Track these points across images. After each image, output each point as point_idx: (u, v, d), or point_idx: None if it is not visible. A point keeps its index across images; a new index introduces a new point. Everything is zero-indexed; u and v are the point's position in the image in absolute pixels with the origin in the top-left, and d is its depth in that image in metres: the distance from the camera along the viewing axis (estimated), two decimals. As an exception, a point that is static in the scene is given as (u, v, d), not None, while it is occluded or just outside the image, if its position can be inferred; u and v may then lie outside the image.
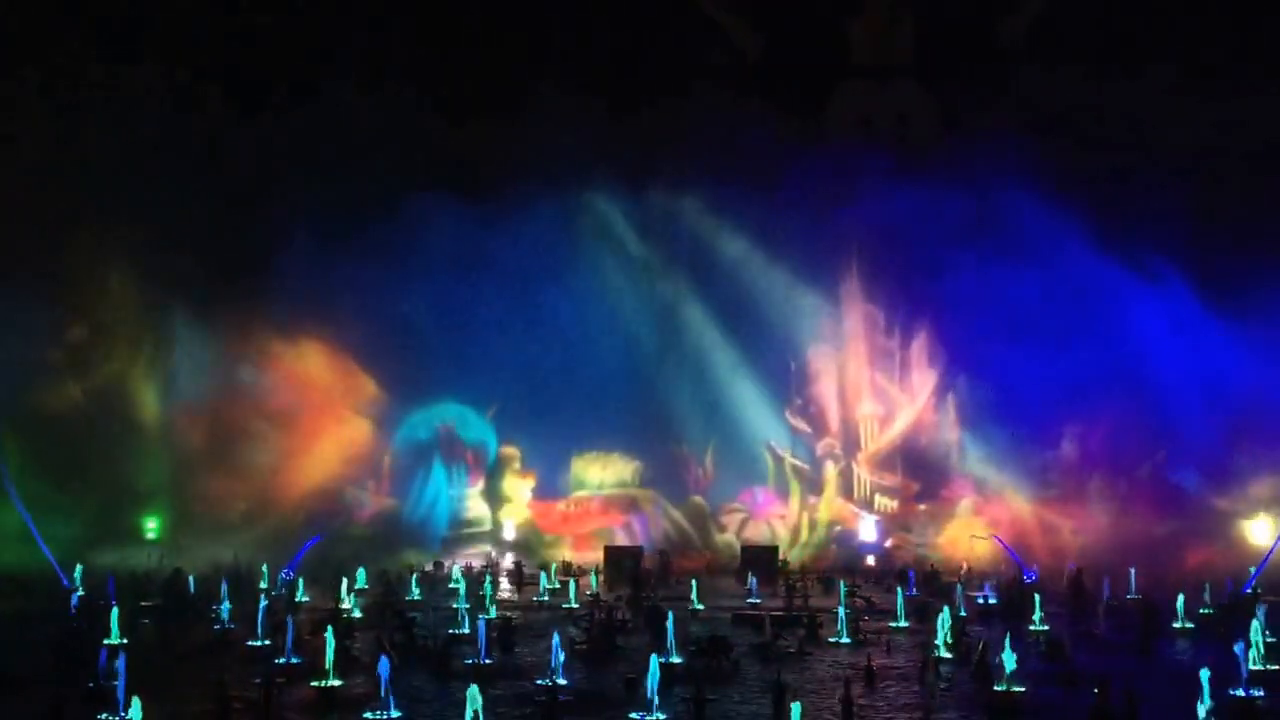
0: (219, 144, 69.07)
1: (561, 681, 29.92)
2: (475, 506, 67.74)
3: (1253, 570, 51.57)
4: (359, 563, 54.42)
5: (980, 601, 46.72)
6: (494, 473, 68.44)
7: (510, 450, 68.78)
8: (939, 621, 36.38)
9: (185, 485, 63.79)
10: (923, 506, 67.02)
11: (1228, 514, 61.67)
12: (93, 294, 65.61)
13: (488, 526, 67.40)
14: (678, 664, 32.88)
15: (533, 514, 68.47)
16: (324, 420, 65.53)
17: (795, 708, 23.41)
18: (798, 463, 68.93)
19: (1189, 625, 41.30)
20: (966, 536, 62.86)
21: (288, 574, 53.18)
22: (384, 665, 27.25)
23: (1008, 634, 31.10)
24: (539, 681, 29.88)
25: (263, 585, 50.19)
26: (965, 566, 56.95)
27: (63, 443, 61.94)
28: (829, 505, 67.62)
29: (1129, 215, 63.94)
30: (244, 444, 64.64)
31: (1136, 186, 64.28)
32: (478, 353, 65.94)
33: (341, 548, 59.01)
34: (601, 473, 69.06)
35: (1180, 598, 42.08)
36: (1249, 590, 47.63)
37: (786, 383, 69.67)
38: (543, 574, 52.55)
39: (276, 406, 65.30)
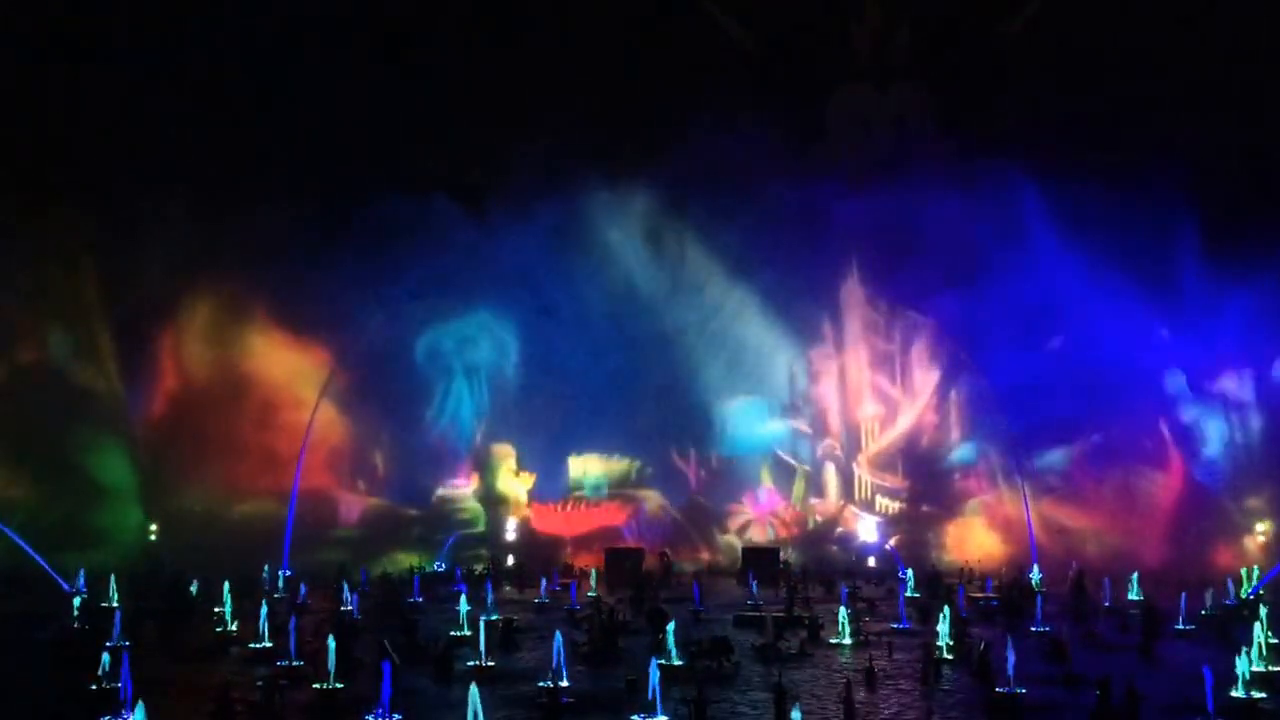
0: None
1: (563, 683, 29.93)
2: (469, 508, 67.52)
3: (1252, 573, 51.59)
4: (358, 564, 54.27)
5: (982, 604, 46.73)
6: (488, 472, 68.25)
7: (505, 449, 68.62)
8: (940, 622, 36.40)
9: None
10: (925, 508, 66.89)
11: (1251, 516, 61.75)
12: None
13: (482, 527, 67.10)
14: (679, 665, 32.88)
15: (532, 515, 68.24)
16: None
17: (795, 711, 23.45)
18: (799, 464, 68.94)
19: (1190, 627, 41.30)
20: (971, 537, 62.85)
21: (286, 572, 53.14)
22: (385, 667, 27.24)
23: (1008, 635, 31.08)
24: (541, 683, 29.88)
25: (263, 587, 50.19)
26: (970, 567, 56.95)
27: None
28: (829, 506, 67.69)
29: (1131, 214, 63.81)
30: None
31: (1140, 187, 64.13)
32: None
33: (334, 550, 58.89)
34: (601, 473, 69.02)
35: (1183, 599, 42.12)
36: (1255, 594, 47.61)
37: (788, 384, 69.73)
38: (542, 577, 52.54)
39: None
